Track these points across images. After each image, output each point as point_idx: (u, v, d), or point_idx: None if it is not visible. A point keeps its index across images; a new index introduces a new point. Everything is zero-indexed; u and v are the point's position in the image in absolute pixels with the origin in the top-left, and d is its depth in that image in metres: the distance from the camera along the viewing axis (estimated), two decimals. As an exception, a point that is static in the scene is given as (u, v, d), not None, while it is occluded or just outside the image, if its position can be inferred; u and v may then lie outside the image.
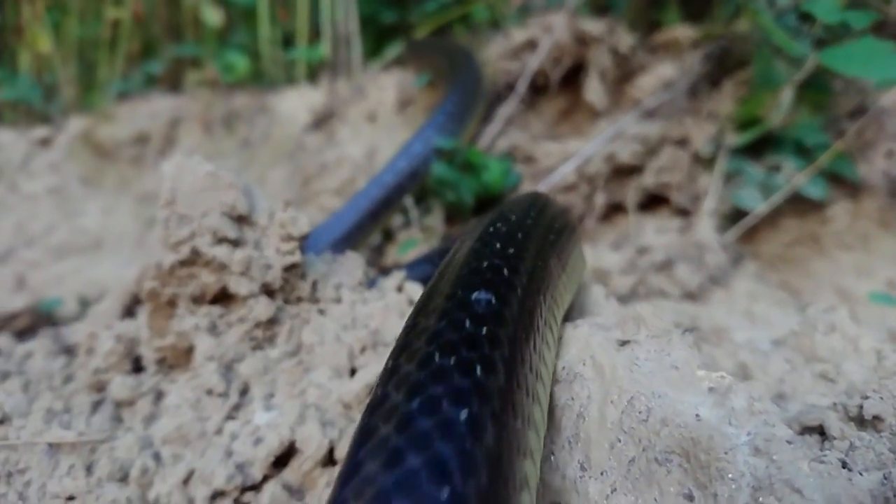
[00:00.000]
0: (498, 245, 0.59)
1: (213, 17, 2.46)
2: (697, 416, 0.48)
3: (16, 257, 2.32)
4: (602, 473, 0.50)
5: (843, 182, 1.63)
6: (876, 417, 0.60)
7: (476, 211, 1.97)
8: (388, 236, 1.96)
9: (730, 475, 0.43)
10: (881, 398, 0.61)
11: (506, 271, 0.54)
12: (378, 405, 0.41)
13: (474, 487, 0.34)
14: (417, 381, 0.41)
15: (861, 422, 0.61)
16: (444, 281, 0.56)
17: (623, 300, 1.56)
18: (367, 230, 1.70)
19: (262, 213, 0.89)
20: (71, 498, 0.69)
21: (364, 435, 0.39)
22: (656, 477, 0.46)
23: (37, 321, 1.86)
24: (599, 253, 1.65)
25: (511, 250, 0.58)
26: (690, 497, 0.44)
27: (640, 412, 0.50)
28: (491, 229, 0.64)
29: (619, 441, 0.50)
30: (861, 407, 0.61)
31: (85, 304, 1.90)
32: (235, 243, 0.85)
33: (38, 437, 0.77)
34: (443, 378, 0.40)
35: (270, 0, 2.65)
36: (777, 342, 0.96)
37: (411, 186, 1.77)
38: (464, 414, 0.37)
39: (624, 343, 0.62)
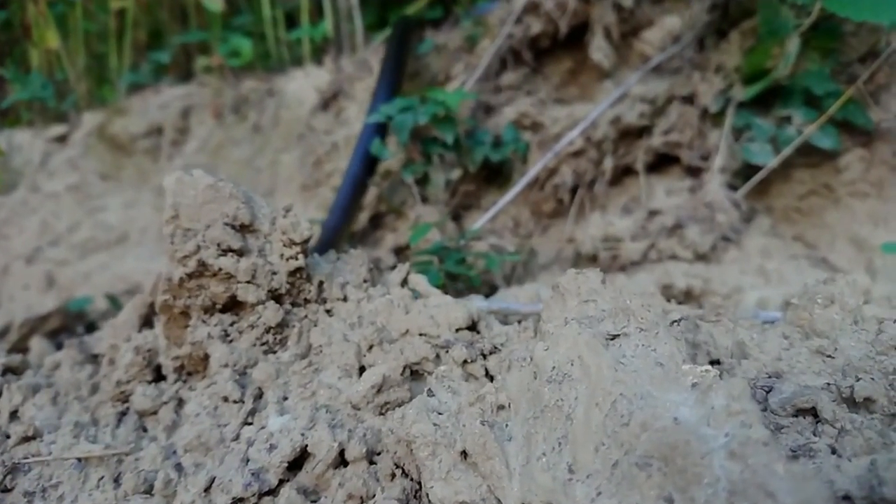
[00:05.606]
0: None
1: (215, 3, 2.46)
2: (676, 419, 0.49)
3: (43, 256, 2.39)
4: (588, 476, 0.52)
5: (855, 129, 1.60)
6: (867, 399, 0.61)
7: (486, 179, 1.98)
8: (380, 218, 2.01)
9: (706, 480, 0.45)
10: (872, 379, 0.62)
11: None
12: None
13: None
14: None
15: (853, 403, 0.62)
16: None
17: (634, 267, 1.57)
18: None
19: (264, 220, 0.91)
20: (102, 511, 0.73)
21: None
22: (637, 481, 0.48)
23: (67, 321, 1.93)
24: (609, 219, 1.65)
25: None
26: (670, 500, 0.46)
27: (622, 416, 0.52)
28: None
29: (604, 444, 0.52)
30: (853, 388, 0.61)
31: (114, 301, 1.96)
32: (240, 252, 0.87)
33: (68, 451, 0.81)
34: None
35: (270, -21, 2.63)
36: (785, 306, 0.97)
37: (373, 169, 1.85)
38: None
39: (613, 337, 0.63)
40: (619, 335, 0.63)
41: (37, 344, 1.74)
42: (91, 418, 0.90)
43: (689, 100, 1.73)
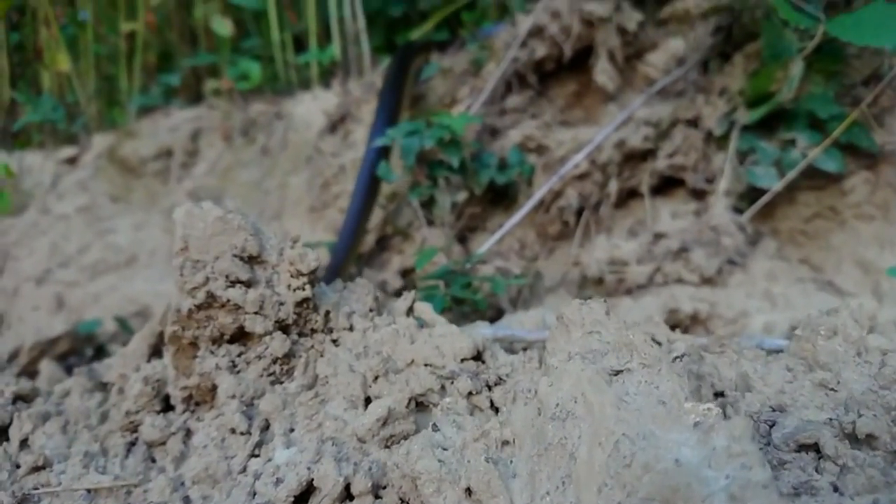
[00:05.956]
0: None
1: (224, 27, 2.49)
2: (677, 461, 0.50)
3: (53, 278, 2.41)
4: (592, 517, 0.53)
5: (859, 152, 1.61)
6: (870, 436, 0.61)
7: (492, 201, 1.99)
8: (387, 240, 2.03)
9: (707, 523, 0.45)
10: (875, 416, 0.62)
11: None
12: None
13: None
14: None
15: (856, 439, 0.62)
16: None
17: (640, 290, 1.58)
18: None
19: (271, 251, 0.92)
20: (111, 544, 0.74)
21: None
22: (640, 523, 0.49)
23: (76, 344, 1.95)
24: (615, 242, 1.66)
25: None
26: (672, 543, 0.47)
27: (624, 456, 0.52)
28: None
29: (607, 485, 0.53)
30: (855, 424, 0.62)
31: (124, 324, 1.97)
32: (248, 284, 0.89)
33: (78, 482, 0.82)
34: None
35: (278, 2, 2.66)
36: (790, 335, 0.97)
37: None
38: None
39: (616, 373, 0.64)
40: (622, 371, 0.64)
41: (46, 368, 1.75)
42: (100, 448, 0.91)
43: (694, 123, 1.74)
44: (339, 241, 1.75)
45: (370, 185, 1.81)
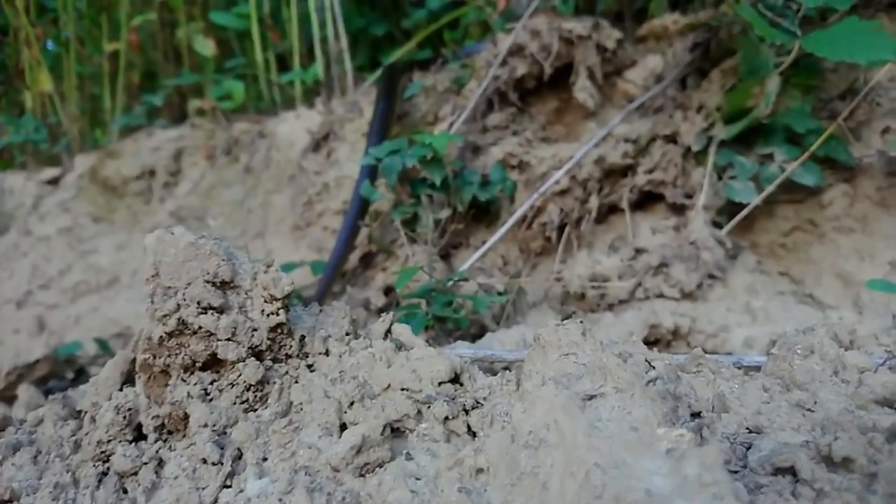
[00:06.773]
0: None
1: (207, 47, 2.49)
2: (648, 491, 0.49)
3: (33, 300, 2.38)
4: (562, 549, 0.52)
5: (837, 165, 1.62)
6: (846, 458, 0.60)
7: (474, 218, 1.99)
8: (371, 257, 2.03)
9: (675, 556, 0.44)
10: (850, 438, 0.61)
11: None
12: None
13: None
14: None
15: (832, 462, 0.62)
16: None
17: (622, 305, 1.57)
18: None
19: (245, 275, 0.91)
20: (78, 580, 0.72)
21: None
22: (610, 556, 0.48)
23: (56, 367, 1.92)
24: (597, 257, 1.66)
25: None
26: (642, 576, 0.46)
27: (595, 486, 0.52)
28: None
29: (577, 516, 0.52)
30: (831, 447, 0.61)
31: (104, 346, 1.95)
32: (220, 310, 0.87)
33: (47, 516, 0.80)
34: None
35: (262, 22, 2.67)
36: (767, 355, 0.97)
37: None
38: None
39: (590, 398, 0.63)
40: (595, 396, 0.63)
41: (24, 392, 1.73)
42: (72, 479, 0.89)
43: (672, 139, 1.75)
44: (332, 257, 1.77)
45: (362, 204, 1.85)
